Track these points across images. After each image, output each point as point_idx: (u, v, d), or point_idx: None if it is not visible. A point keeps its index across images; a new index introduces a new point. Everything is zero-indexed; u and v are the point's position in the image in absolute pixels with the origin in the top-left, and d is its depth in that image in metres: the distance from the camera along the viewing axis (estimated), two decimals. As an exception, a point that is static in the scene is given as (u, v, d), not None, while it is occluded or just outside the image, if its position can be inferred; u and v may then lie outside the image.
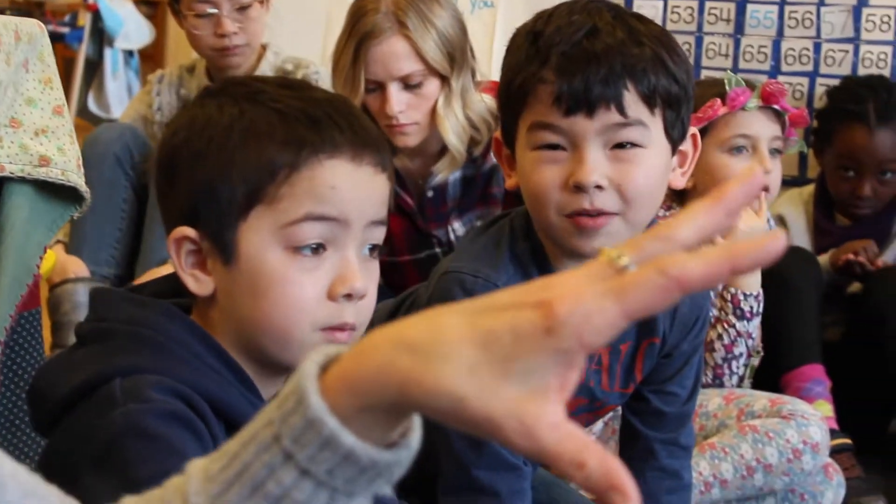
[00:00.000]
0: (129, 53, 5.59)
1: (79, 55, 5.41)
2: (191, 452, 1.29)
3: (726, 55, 3.82)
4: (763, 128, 2.89)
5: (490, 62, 3.80)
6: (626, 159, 1.76)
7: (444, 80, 2.90)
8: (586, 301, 0.71)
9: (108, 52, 5.46)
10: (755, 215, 2.80)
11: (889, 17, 3.72)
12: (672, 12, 3.90)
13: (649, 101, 1.76)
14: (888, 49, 3.71)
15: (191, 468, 0.85)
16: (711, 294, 2.87)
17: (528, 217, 1.89)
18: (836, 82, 3.67)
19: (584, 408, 2.01)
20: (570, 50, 1.74)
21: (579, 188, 1.74)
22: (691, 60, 3.78)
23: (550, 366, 0.72)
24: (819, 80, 3.76)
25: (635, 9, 3.86)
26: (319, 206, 1.39)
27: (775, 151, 2.90)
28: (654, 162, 1.78)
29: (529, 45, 1.79)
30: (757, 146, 2.88)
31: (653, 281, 0.70)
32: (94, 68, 5.42)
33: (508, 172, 1.89)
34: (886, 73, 3.70)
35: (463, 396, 0.72)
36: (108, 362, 1.37)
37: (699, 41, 3.84)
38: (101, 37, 5.42)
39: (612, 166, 1.75)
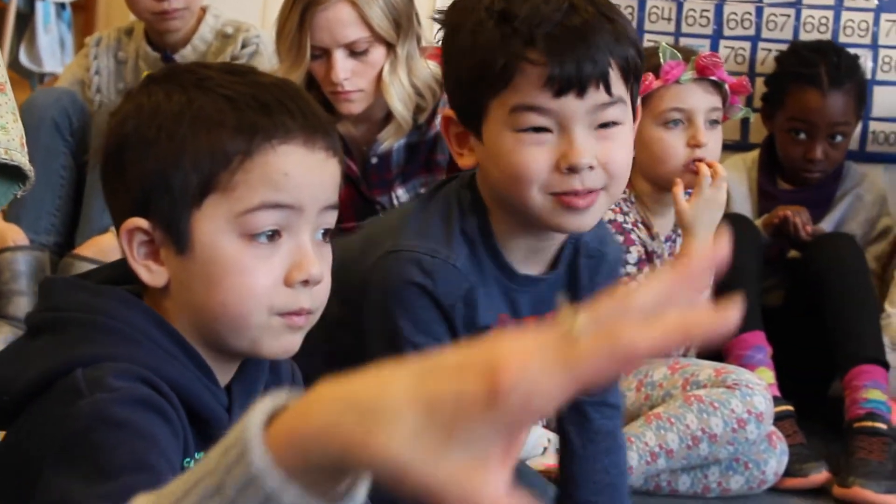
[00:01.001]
0: (62, 6, 5.49)
1: (9, 7, 5.31)
2: (161, 436, 1.29)
3: (669, 19, 3.81)
4: (698, 100, 2.88)
5: (433, 28, 3.77)
6: (609, 137, 1.79)
7: (390, 47, 2.88)
8: (534, 370, 0.69)
9: (39, 5, 5.36)
10: (716, 190, 2.80)
11: (831, -19, 3.74)
12: (615, -25, 3.89)
13: (626, 76, 1.78)
14: (829, 14, 3.72)
15: None
16: (631, 264, 2.88)
17: (473, 192, 1.90)
18: (778, 46, 3.68)
19: None
20: (555, 30, 1.73)
21: (572, 170, 1.75)
22: (634, 25, 3.77)
23: (494, 434, 0.70)
24: (761, 45, 3.76)
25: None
26: (274, 193, 1.38)
27: (714, 122, 2.90)
28: (629, 137, 1.83)
29: (502, 23, 1.77)
30: (692, 119, 2.88)
31: (604, 353, 0.68)
32: (26, 21, 5.33)
33: (459, 151, 1.89)
34: (828, 36, 3.72)
35: (405, 464, 0.71)
36: (67, 353, 1.35)
37: (642, 5, 3.82)
38: (34, -10, 5.32)
39: (599, 145, 1.78)
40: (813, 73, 3.45)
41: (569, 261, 1.96)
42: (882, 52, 3.70)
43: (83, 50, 3.60)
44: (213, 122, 1.37)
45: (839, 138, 3.49)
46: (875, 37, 3.70)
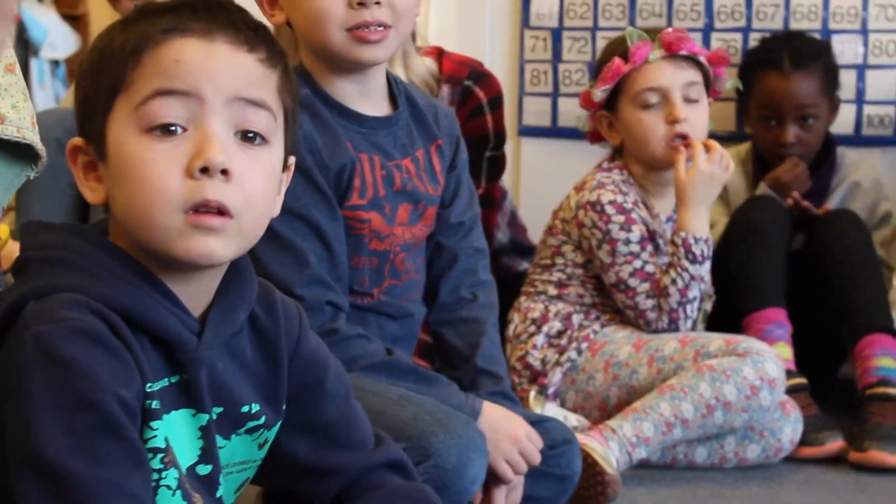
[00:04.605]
0: (55, 63, 5.56)
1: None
2: (102, 372, 1.32)
3: (660, 15, 3.83)
4: (671, 77, 2.93)
5: (427, 26, 3.82)
6: None
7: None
8: None
9: (33, 63, 5.42)
10: (714, 165, 2.86)
11: (819, -31, 3.77)
12: (604, -27, 3.92)
13: None
14: (818, 0, 3.76)
15: None
16: (634, 242, 2.91)
17: (297, 70, 2.15)
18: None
19: (413, 214, 2.23)
20: None
21: (362, 4, 2.07)
22: (625, 21, 3.82)
23: None
24: (752, 35, 3.78)
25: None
26: (166, 81, 1.41)
27: (693, 99, 2.94)
28: None
29: None
30: (668, 96, 2.93)
31: None
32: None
33: (270, 12, 2.19)
34: (818, 25, 3.74)
35: None
36: (23, 288, 1.40)
37: (632, 1, 3.86)
38: (27, 47, 5.37)
39: None
40: (775, 58, 3.49)
41: (408, 105, 2.26)
42: (872, 36, 3.72)
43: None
44: (128, 35, 1.44)
45: (811, 121, 3.50)
46: (864, 22, 3.72)
